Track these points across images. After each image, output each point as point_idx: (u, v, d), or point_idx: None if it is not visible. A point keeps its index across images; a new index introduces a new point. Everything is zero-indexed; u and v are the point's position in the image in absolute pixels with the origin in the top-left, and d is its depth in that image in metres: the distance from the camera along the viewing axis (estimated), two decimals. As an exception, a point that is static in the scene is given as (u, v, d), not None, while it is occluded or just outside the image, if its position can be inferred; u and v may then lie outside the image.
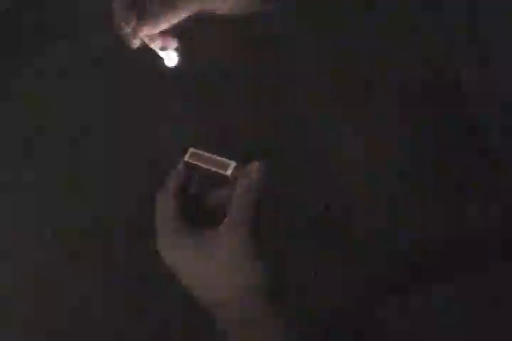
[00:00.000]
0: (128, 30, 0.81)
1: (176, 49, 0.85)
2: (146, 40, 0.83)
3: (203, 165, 0.71)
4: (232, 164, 0.69)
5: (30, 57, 1.04)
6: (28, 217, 1.00)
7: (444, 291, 0.78)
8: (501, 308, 0.77)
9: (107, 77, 1.00)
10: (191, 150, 0.72)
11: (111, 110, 1.00)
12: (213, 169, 0.70)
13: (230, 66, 1.03)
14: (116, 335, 0.94)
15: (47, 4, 1.04)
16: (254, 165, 0.69)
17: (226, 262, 0.66)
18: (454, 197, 1.01)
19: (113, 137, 0.99)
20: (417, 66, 1.07)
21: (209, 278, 0.67)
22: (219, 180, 0.72)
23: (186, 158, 0.72)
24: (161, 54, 0.85)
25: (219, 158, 0.70)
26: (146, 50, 0.84)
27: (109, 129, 1.00)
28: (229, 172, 0.69)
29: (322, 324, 0.81)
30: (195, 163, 0.72)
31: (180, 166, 0.73)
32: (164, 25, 0.81)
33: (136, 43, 0.83)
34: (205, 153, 0.71)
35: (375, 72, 1.07)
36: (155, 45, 0.84)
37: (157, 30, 0.81)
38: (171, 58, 0.86)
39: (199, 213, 0.72)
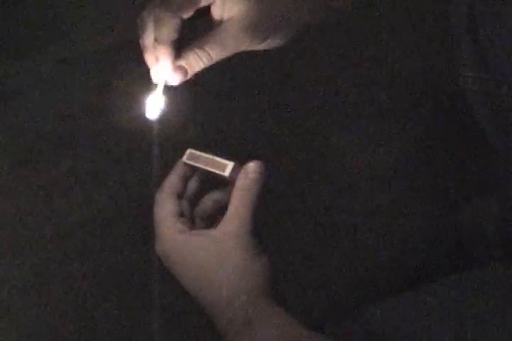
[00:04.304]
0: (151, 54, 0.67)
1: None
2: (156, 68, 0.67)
3: (202, 166, 0.71)
4: (231, 164, 0.69)
5: (29, 56, 1.04)
6: (28, 216, 1.00)
7: (443, 291, 0.78)
8: (501, 308, 0.77)
9: (105, 77, 1.00)
10: (189, 150, 0.72)
11: (109, 110, 1.00)
12: (212, 170, 0.70)
13: (231, 67, 1.03)
14: (116, 334, 0.94)
15: (46, 4, 1.04)
16: (253, 165, 0.69)
17: (225, 262, 0.66)
18: (454, 197, 1.01)
19: (112, 137, 1.00)
20: (417, 66, 1.07)
21: (208, 278, 0.67)
22: (217, 181, 0.72)
23: (184, 158, 0.72)
24: (155, 93, 0.69)
25: (217, 159, 0.70)
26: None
27: (108, 129, 1.00)
28: (227, 172, 0.69)
29: (321, 323, 0.81)
30: (193, 163, 0.71)
31: (179, 167, 0.72)
32: (206, 64, 0.68)
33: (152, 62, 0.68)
34: (204, 154, 0.71)
35: (375, 72, 1.07)
36: (162, 76, 0.68)
37: (198, 69, 0.68)
38: (156, 106, 0.70)
39: (197, 214, 0.72)
